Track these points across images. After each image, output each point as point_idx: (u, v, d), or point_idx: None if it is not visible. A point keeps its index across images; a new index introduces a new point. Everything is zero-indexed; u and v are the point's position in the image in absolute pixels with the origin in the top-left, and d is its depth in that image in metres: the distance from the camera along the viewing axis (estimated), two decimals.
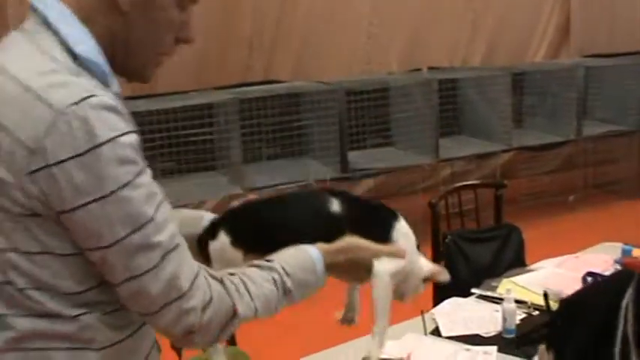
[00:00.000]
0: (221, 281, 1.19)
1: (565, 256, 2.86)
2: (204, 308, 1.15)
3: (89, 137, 1.03)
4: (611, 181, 6.34)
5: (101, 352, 1.16)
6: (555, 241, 3.11)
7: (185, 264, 1.14)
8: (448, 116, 5.65)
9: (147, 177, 1.10)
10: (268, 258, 1.31)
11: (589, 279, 2.56)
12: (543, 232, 5.05)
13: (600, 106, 6.14)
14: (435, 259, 3.34)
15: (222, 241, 1.54)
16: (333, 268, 1.38)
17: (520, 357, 2.09)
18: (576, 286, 2.54)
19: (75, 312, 1.12)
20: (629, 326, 1.27)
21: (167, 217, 1.12)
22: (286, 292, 1.28)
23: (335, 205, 1.56)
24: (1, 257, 1.10)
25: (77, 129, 1.02)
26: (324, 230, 1.47)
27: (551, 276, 2.65)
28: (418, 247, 1.74)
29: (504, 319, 2.22)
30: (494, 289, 2.57)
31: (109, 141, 1.04)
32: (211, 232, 1.56)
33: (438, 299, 3.30)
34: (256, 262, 1.30)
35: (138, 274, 1.09)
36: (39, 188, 1.04)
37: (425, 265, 1.72)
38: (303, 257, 1.33)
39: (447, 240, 3.27)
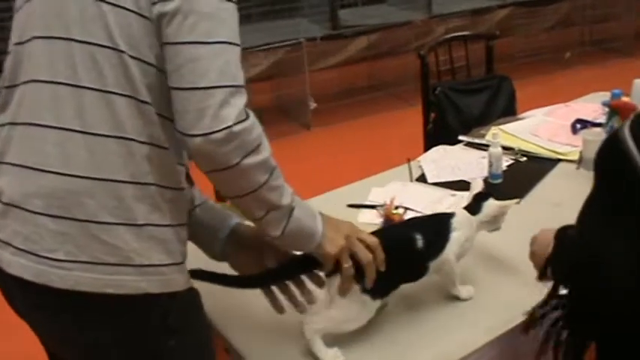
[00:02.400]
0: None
1: (555, 105, 2.81)
2: (243, 120, 1.14)
3: None
4: (609, 38, 6.20)
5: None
6: (549, 96, 3.05)
7: (240, 70, 1.16)
8: None
9: None
10: None
11: (578, 126, 2.53)
12: (537, 88, 5.00)
13: None
14: (426, 111, 3.31)
15: None
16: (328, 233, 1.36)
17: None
18: (565, 133, 2.51)
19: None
20: None
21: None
22: (291, 210, 1.28)
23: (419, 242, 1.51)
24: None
25: None
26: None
27: (541, 124, 2.61)
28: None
29: (490, 164, 2.19)
30: (482, 136, 2.54)
31: None
32: None
33: (428, 149, 3.29)
34: None
35: (201, 40, 1.12)
36: None
37: None
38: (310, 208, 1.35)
39: (437, 91, 3.22)
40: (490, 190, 2.05)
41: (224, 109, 1.12)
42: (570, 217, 1.48)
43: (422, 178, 2.26)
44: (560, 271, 1.33)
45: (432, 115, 3.31)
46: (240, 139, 1.14)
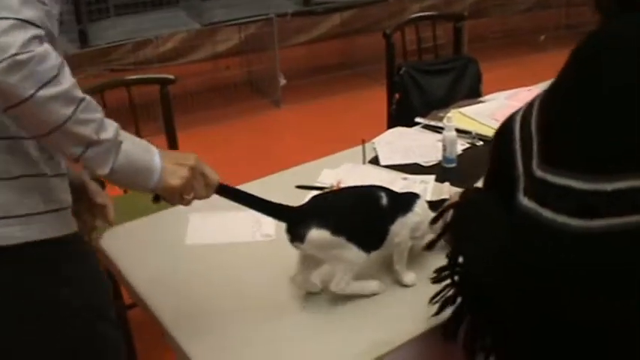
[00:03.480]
0: (63, 61, 1.14)
1: (517, 89, 2.76)
2: (30, 50, 1.07)
3: None
4: (585, 22, 6.14)
5: None
6: (520, 79, 3.00)
7: (29, 8, 1.10)
8: None
9: None
10: None
11: None
12: (509, 70, 4.95)
13: None
14: (390, 91, 3.26)
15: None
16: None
17: (458, 187, 2.04)
18: None
19: None
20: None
21: None
22: (118, 144, 1.22)
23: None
24: None
25: None
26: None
27: (501, 108, 2.56)
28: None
29: (444, 148, 2.15)
30: (440, 118, 2.49)
31: None
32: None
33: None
34: None
35: None
36: None
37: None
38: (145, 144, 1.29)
39: (401, 71, 3.17)
40: (444, 175, 2.03)
41: (3, 38, 1.06)
42: None
43: (375, 160, 2.21)
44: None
45: (396, 95, 3.26)
46: (28, 69, 1.07)
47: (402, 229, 1.55)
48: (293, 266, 1.55)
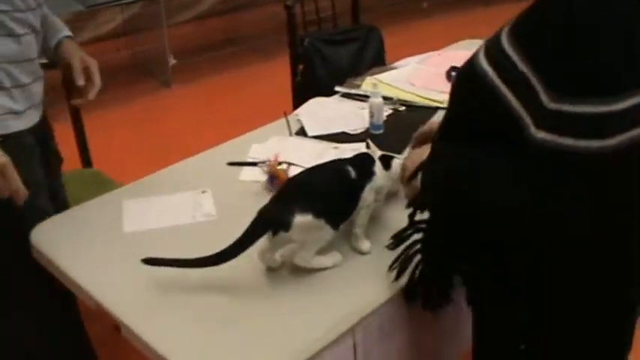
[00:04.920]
0: None
1: (427, 54, 2.79)
2: None
3: None
4: None
5: None
6: (414, 46, 3.03)
7: None
8: None
9: None
10: None
11: (453, 74, 2.51)
12: (401, 38, 4.99)
13: None
14: (294, 64, 3.22)
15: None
16: None
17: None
18: (440, 81, 2.50)
19: None
20: None
21: None
22: None
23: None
24: None
25: None
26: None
27: (415, 72, 2.59)
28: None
29: (371, 115, 2.14)
30: (357, 86, 2.48)
31: None
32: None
33: (297, 103, 3.22)
34: None
35: None
36: None
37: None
38: None
39: (305, 43, 3.13)
40: (372, 141, 2.01)
41: None
42: None
43: (301, 132, 2.17)
44: (432, 180, 1.27)
45: (300, 67, 3.23)
46: None
47: (369, 194, 1.55)
48: None
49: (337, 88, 2.46)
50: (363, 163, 1.60)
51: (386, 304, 1.46)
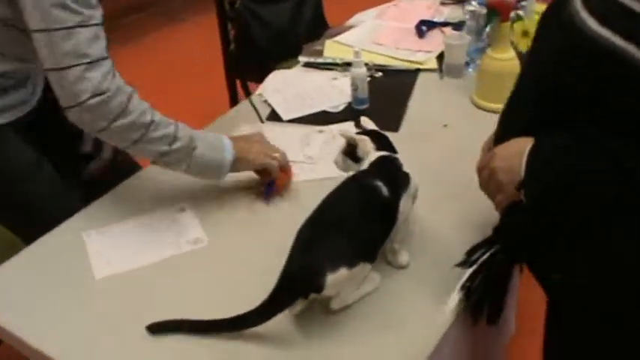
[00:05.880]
0: (132, 92, 1.31)
1: (382, 6, 2.46)
2: (99, 94, 1.26)
3: None
4: None
5: None
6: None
7: (92, 47, 1.25)
8: None
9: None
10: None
11: (424, 28, 2.21)
12: None
13: None
14: (223, 30, 2.84)
15: None
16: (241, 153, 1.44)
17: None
18: (411, 37, 2.19)
19: None
20: None
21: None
22: (191, 150, 1.37)
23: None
24: None
25: None
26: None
27: (380, 29, 2.26)
28: None
29: (355, 88, 1.81)
30: (318, 52, 2.13)
31: None
32: None
33: (233, 72, 2.87)
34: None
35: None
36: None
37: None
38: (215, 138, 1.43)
39: (236, 5, 2.74)
40: (355, 117, 1.71)
41: (77, 85, 1.25)
42: (466, 136, 1.42)
43: (274, 116, 1.82)
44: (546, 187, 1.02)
45: (232, 32, 2.85)
46: (99, 110, 1.28)
47: (407, 203, 1.24)
48: (246, 276, 1.23)
49: (301, 58, 2.10)
50: (389, 169, 1.27)
51: (453, 325, 1.17)
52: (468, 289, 1.19)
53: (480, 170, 1.13)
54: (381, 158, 1.28)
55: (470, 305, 1.21)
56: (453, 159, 1.57)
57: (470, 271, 1.19)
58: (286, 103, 1.86)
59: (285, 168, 1.49)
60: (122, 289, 1.27)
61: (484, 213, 1.22)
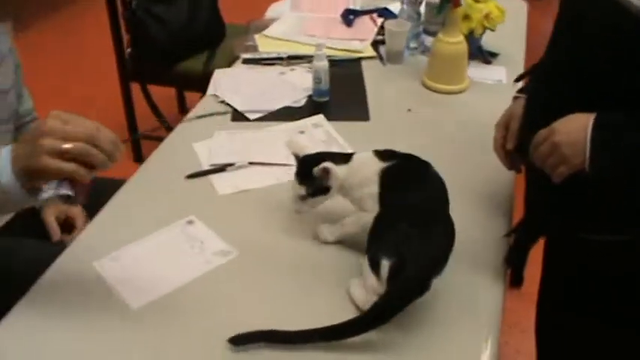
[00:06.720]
0: None
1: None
2: None
3: None
4: None
5: None
6: None
7: None
8: None
9: None
10: None
11: (351, 17, 2.22)
12: None
13: None
14: (115, 31, 2.71)
15: None
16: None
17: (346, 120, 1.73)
18: (341, 27, 2.20)
19: None
20: None
21: None
22: None
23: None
24: None
25: None
26: None
27: (306, 20, 2.24)
28: None
29: (318, 80, 1.79)
30: (252, 48, 2.08)
31: None
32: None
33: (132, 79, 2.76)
34: None
35: None
36: None
37: None
38: None
39: (132, 6, 2.62)
40: (319, 110, 1.72)
41: None
42: (435, 119, 1.55)
43: (238, 117, 1.76)
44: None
45: (126, 37, 2.72)
46: None
47: None
48: (287, 277, 1.21)
49: (245, 55, 2.04)
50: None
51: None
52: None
53: (536, 145, 1.15)
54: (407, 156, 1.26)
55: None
56: (433, 141, 1.60)
57: None
58: (246, 102, 1.80)
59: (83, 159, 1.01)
60: (163, 314, 1.18)
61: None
